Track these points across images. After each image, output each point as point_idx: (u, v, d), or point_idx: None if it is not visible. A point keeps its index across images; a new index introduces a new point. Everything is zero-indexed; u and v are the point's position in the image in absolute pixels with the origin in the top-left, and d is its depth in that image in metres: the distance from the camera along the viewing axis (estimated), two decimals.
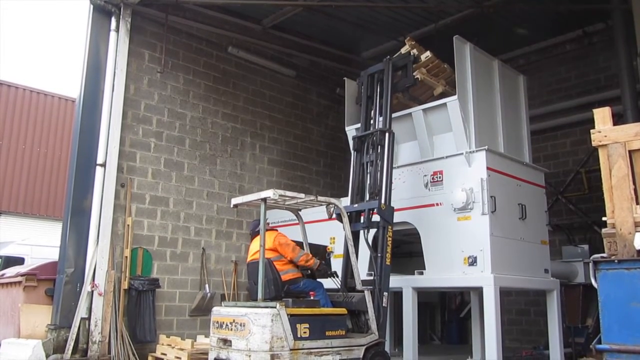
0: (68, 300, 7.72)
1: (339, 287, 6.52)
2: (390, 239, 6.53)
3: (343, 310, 5.93)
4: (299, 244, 6.46)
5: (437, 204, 7.48)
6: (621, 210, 4.46)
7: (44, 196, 16.76)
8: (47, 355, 7.31)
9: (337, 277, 6.52)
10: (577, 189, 10.61)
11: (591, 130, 4.78)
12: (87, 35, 8.54)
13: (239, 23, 10.06)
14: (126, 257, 8.22)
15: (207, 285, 9.11)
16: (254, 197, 6.07)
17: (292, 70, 11.07)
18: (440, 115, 7.68)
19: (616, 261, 4.31)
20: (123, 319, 7.96)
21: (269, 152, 10.59)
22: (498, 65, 8.26)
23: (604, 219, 4.61)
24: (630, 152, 4.53)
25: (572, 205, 10.63)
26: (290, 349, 5.22)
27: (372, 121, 7.34)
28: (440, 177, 7.55)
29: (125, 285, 8.10)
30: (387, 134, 6.88)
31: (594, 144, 4.75)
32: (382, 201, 6.56)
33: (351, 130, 8.24)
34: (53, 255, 8.84)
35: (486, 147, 7.25)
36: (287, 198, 6.15)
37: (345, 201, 7.27)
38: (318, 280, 6.37)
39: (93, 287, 7.75)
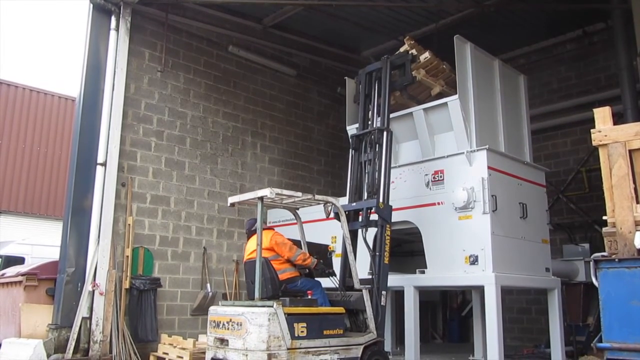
0: (69, 299, 7.71)
1: (337, 286, 6.52)
2: (389, 237, 6.54)
3: (341, 310, 5.92)
4: (297, 243, 6.47)
5: (438, 203, 7.50)
6: (621, 209, 4.47)
7: (44, 195, 16.75)
8: (48, 355, 7.30)
9: (335, 276, 6.52)
10: (577, 188, 10.63)
11: (591, 130, 4.79)
12: (87, 34, 8.54)
13: (239, 22, 10.06)
14: (127, 256, 8.22)
15: (208, 285, 9.12)
16: (251, 196, 6.06)
17: (292, 69, 11.07)
18: (441, 114, 7.70)
19: (617, 260, 4.33)
20: (124, 319, 7.96)
21: (269, 151, 10.60)
22: (498, 65, 8.27)
23: (604, 218, 4.63)
24: (630, 151, 4.55)
25: (572, 204, 10.64)
26: (288, 349, 5.21)
27: (370, 120, 7.35)
28: (441, 176, 7.57)
29: (126, 284, 8.10)
30: (385, 133, 6.89)
31: (594, 143, 4.76)
32: (381, 200, 6.57)
33: (352, 130, 8.25)
34: (54, 254, 8.84)
35: (487, 146, 7.27)
36: (284, 197, 6.15)
37: (344, 200, 7.28)
38: (316, 279, 6.37)
39: (94, 286, 7.75)
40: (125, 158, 8.55)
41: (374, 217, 6.69)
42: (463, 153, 7.35)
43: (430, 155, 7.83)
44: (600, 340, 4.36)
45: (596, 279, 4.43)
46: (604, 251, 4.56)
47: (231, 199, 6.33)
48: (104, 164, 8.18)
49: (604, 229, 4.59)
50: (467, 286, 8.57)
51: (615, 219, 4.50)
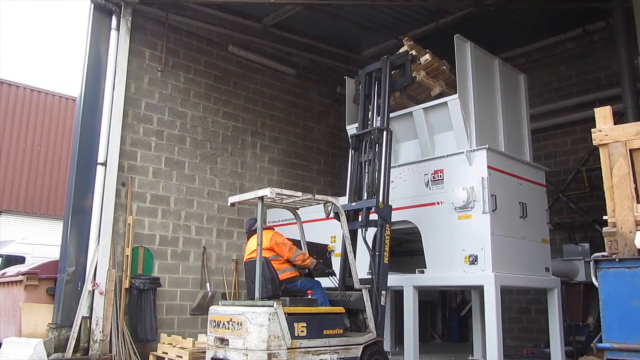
0: (69, 299, 7.71)
1: (337, 286, 6.51)
2: (389, 237, 6.54)
3: (341, 309, 5.93)
4: (297, 243, 6.46)
5: (438, 203, 7.49)
6: (622, 209, 4.47)
7: (44, 195, 16.76)
8: (48, 354, 7.31)
9: (335, 275, 6.51)
10: (577, 187, 10.62)
11: (592, 130, 4.79)
12: (88, 34, 8.53)
13: (239, 22, 10.06)
14: (127, 256, 8.22)
15: (208, 284, 9.12)
16: (251, 196, 6.06)
17: (292, 69, 11.06)
18: (441, 114, 7.69)
19: (617, 260, 4.33)
20: (124, 318, 7.96)
21: (269, 151, 10.59)
22: (499, 64, 8.27)
23: (604, 217, 4.62)
24: (630, 151, 4.55)
25: (572, 203, 10.63)
26: (288, 348, 5.21)
27: (370, 120, 7.34)
28: (441, 175, 7.56)
29: (126, 284, 8.11)
30: (384, 133, 6.89)
31: (594, 143, 4.76)
32: (380, 199, 6.57)
33: (352, 129, 8.24)
34: (54, 254, 8.84)
35: (487, 145, 7.26)
36: (284, 196, 6.14)
37: (344, 200, 7.28)
38: (316, 279, 6.36)
39: (94, 286, 7.75)
40: (126, 158, 8.55)
41: (374, 217, 6.69)
42: (463, 152, 7.34)
43: (430, 154, 7.83)
44: (600, 340, 4.36)
45: (596, 278, 4.43)
46: (604, 251, 4.56)
47: (231, 199, 6.33)
48: (104, 164, 8.18)
49: (604, 229, 4.59)
50: (467, 286, 8.56)
51: (615, 219, 4.50)
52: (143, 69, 8.97)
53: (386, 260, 6.44)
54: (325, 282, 6.48)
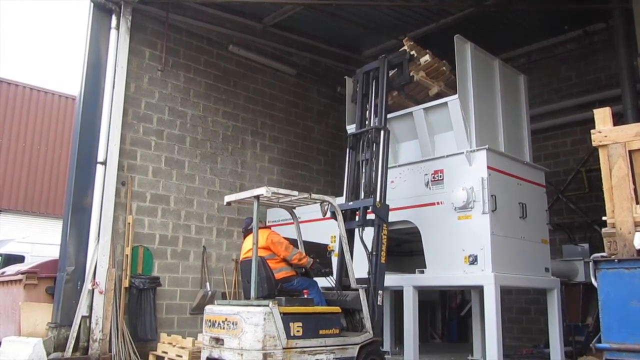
0: (69, 298, 7.72)
1: (334, 285, 6.49)
2: (386, 237, 6.49)
3: (337, 309, 5.90)
4: (294, 242, 6.44)
5: (438, 203, 7.50)
6: (621, 210, 4.48)
7: (44, 194, 16.76)
8: (48, 354, 7.31)
9: (332, 275, 6.47)
10: (577, 188, 10.62)
11: (591, 131, 4.80)
12: (88, 33, 8.53)
13: (239, 21, 10.05)
14: (127, 255, 8.23)
15: (207, 284, 9.12)
16: (247, 195, 6.02)
17: (292, 68, 11.07)
18: (441, 114, 7.70)
19: (616, 261, 4.34)
20: (124, 317, 7.97)
21: (269, 151, 10.60)
22: (499, 64, 8.27)
23: (604, 218, 4.63)
24: (630, 152, 4.56)
25: (572, 204, 10.64)
26: (283, 348, 5.18)
27: (367, 119, 7.30)
28: (441, 176, 7.57)
29: (126, 283, 8.11)
30: (382, 132, 6.85)
31: (594, 144, 4.76)
32: (377, 199, 6.53)
33: (352, 129, 8.23)
34: (53, 253, 8.84)
35: (487, 146, 7.27)
36: (280, 196, 6.10)
37: (342, 200, 7.27)
38: (313, 278, 6.34)
39: (94, 285, 7.75)
40: (125, 157, 8.55)
41: (372, 216, 6.68)
42: (463, 153, 7.35)
43: (430, 155, 7.83)
44: (599, 341, 4.37)
45: (595, 279, 4.44)
46: (604, 251, 4.57)
47: (227, 198, 6.30)
48: (104, 163, 8.18)
49: (604, 230, 4.59)
50: (467, 286, 8.57)
51: (614, 220, 4.51)
52: (143, 68, 8.97)
53: (383, 260, 6.40)
54: (323, 281, 6.48)
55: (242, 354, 5.18)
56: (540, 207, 8.09)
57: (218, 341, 5.50)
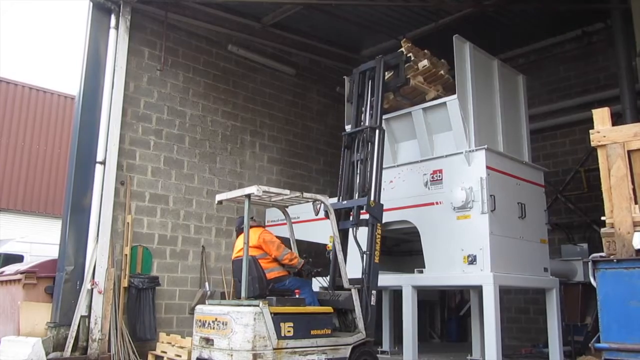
0: (68, 298, 7.71)
1: (327, 285, 6.43)
2: (380, 236, 6.42)
3: (329, 309, 5.84)
4: (288, 242, 6.38)
5: (437, 203, 7.51)
6: (620, 210, 4.48)
7: (43, 193, 16.74)
8: (47, 353, 7.30)
9: (322, 276, 6.37)
10: (576, 188, 10.63)
11: (590, 131, 4.80)
12: (87, 32, 8.52)
13: (238, 21, 10.05)
14: (126, 255, 8.22)
15: (207, 283, 9.12)
16: (238, 194, 5.96)
17: (292, 68, 11.07)
18: (440, 114, 7.71)
19: (615, 260, 4.34)
20: (123, 317, 7.97)
21: (268, 151, 10.59)
22: (498, 64, 8.28)
23: (602, 218, 4.64)
24: (629, 152, 4.56)
25: (571, 204, 10.65)
26: (274, 348, 5.13)
27: (363, 119, 7.23)
28: (440, 176, 7.58)
29: (125, 283, 8.10)
30: (377, 131, 6.78)
31: (592, 144, 4.77)
32: (372, 198, 6.45)
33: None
34: (52, 252, 8.84)
35: (486, 146, 7.27)
36: (272, 194, 6.02)
37: (336, 200, 7.22)
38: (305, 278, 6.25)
39: (93, 285, 7.75)
40: (125, 156, 8.55)
41: (367, 216, 6.61)
42: (462, 153, 7.36)
43: (429, 154, 7.84)
44: (598, 341, 4.37)
45: (594, 279, 4.44)
46: (603, 251, 4.57)
47: (219, 197, 6.23)
48: (103, 163, 8.18)
49: (603, 230, 4.60)
50: (466, 286, 8.58)
51: (613, 220, 4.52)
52: (142, 67, 8.97)
53: (377, 260, 6.33)
54: (321, 281, 6.45)
55: (231, 355, 5.11)
56: (539, 207, 8.10)
57: (208, 341, 5.43)
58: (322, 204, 6.10)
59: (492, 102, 8.05)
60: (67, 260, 7.84)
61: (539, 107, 10.87)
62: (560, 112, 10.82)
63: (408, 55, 7.53)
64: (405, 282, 7.60)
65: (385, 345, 8.88)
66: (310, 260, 6.28)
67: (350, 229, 6.58)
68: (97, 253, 7.89)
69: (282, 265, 6.06)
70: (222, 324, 5.30)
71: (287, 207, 6.80)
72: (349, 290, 5.98)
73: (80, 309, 7.63)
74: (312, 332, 5.47)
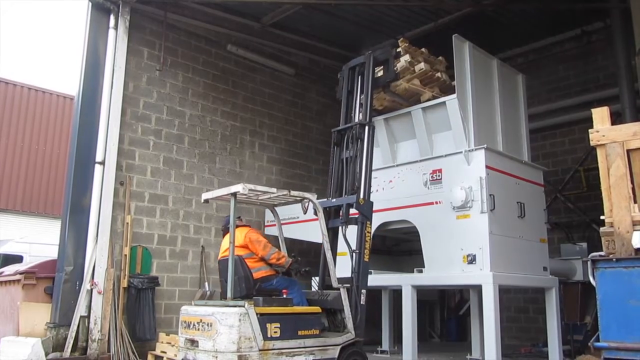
0: (67, 298, 7.71)
1: (317, 285, 6.38)
2: (370, 234, 6.31)
3: (317, 309, 5.75)
4: (272, 241, 6.33)
5: (437, 202, 7.51)
6: (619, 209, 4.48)
7: (42, 194, 16.73)
8: (47, 354, 7.30)
9: (310, 275, 6.30)
10: (575, 187, 10.64)
11: (589, 130, 4.80)
12: (86, 33, 8.52)
13: (238, 21, 10.04)
14: (125, 255, 8.22)
15: (206, 284, 9.11)
16: (224, 192, 5.85)
17: (291, 68, 11.06)
18: (439, 114, 7.71)
19: (614, 260, 4.34)
20: (122, 317, 7.96)
21: (268, 150, 10.59)
22: (497, 64, 8.29)
23: (602, 217, 4.64)
24: (628, 151, 4.56)
25: (570, 203, 10.65)
26: (260, 350, 5.04)
27: (353, 115, 7.11)
28: (439, 175, 7.58)
29: (124, 283, 8.10)
30: (366, 127, 6.66)
31: (592, 143, 4.77)
32: (361, 196, 6.34)
33: None
34: (52, 253, 8.84)
35: (485, 145, 7.28)
36: (259, 193, 5.93)
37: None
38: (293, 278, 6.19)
39: (92, 285, 7.75)
40: (124, 157, 8.55)
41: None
42: (461, 152, 7.36)
43: (429, 154, 7.84)
44: (597, 340, 4.37)
45: (594, 278, 4.44)
46: (602, 250, 4.57)
47: (205, 195, 6.13)
48: (103, 163, 8.17)
49: (602, 229, 4.60)
50: (465, 285, 8.59)
51: (613, 219, 4.52)
52: (141, 67, 8.96)
53: (366, 258, 6.23)
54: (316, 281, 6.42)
55: (216, 356, 5.03)
56: (539, 207, 8.10)
57: (193, 343, 5.34)
58: (310, 202, 6.00)
59: (491, 101, 8.05)
60: (67, 261, 7.84)
61: (539, 106, 10.87)
62: (559, 112, 10.82)
63: (405, 56, 7.48)
64: (405, 281, 7.60)
65: (385, 344, 8.89)
66: (298, 259, 6.21)
67: (340, 228, 6.46)
68: (97, 253, 7.88)
69: (269, 265, 5.98)
70: (207, 325, 5.21)
71: (275, 205, 6.71)
72: (338, 289, 5.89)
73: (80, 309, 7.63)
74: (300, 333, 5.38)
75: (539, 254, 7.87)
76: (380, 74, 7.53)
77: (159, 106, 9.11)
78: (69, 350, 7.42)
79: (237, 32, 10.12)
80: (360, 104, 6.99)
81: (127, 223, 8.35)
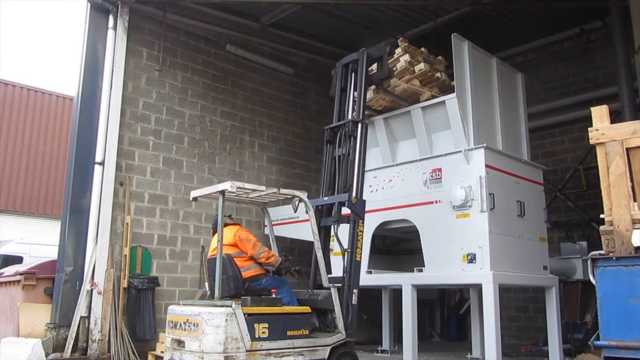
0: (67, 298, 7.70)
1: (307, 284, 6.30)
2: (362, 233, 6.22)
3: (306, 309, 5.65)
4: (262, 241, 6.28)
5: (436, 202, 7.51)
6: (619, 207, 4.48)
7: (42, 194, 16.74)
8: (47, 354, 7.30)
9: (301, 274, 6.18)
10: (575, 186, 10.64)
11: (589, 129, 4.80)
12: (85, 33, 8.52)
13: (237, 21, 10.04)
14: (125, 255, 8.22)
15: (206, 284, 9.07)
16: (212, 190, 5.74)
17: (290, 68, 11.06)
18: (439, 113, 7.71)
19: (614, 258, 4.35)
20: (123, 318, 7.96)
21: (267, 150, 10.59)
22: (496, 63, 8.28)
23: (602, 216, 4.64)
24: (627, 149, 4.56)
25: (570, 202, 10.65)
26: (247, 350, 4.94)
27: (346, 112, 7.05)
28: (439, 174, 7.58)
29: (124, 283, 8.10)
30: (359, 125, 6.58)
31: (591, 142, 4.77)
32: (354, 194, 6.25)
33: None
34: (52, 253, 8.83)
35: (485, 144, 7.28)
36: (248, 191, 5.84)
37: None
38: (283, 277, 6.13)
39: (92, 285, 7.75)
40: (124, 157, 8.54)
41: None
42: (461, 151, 7.36)
43: (428, 153, 7.84)
44: (597, 338, 4.37)
45: (594, 277, 4.45)
46: (602, 249, 4.57)
47: (193, 193, 6.01)
48: (102, 163, 8.17)
49: (602, 227, 4.60)
50: (465, 284, 8.59)
51: (612, 217, 4.52)
52: (140, 68, 8.96)
53: (358, 257, 6.15)
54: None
55: (202, 357, 4.96)
56: (538, 205, 8.10)
57: (180, 343, 5.27)
58: (300, 200, 5.88)
59: (491, 100, 8.05)
60: (67, 261, 7.84)
61: (538, 105, 10.87)
62: (559, 110, 10.82)
63: (404, 56, 7.47)
64: (405, 281, 7.60)
65: (385, 344, 8.89)
66: (289, 258, 6.14)
67: (332, 226, 6.38)
68: (97, 254, 7.88)
69: (259, 264, 5.90)
70: (194, 325, 5.13)
71: (266, 204, 6.65)
72: (329, 289, 5.80)
73: (80, 310, 7.63)
74: (289, 333, 5.29)
75: (539, 253, 7.87)
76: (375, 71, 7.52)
77: (158, 106, 9.11)
78: (69, 350, 7.42)
79: (236, 32, 10.12)
80: (354, 101, 6.92)
81: (127, 223, 8.35)
